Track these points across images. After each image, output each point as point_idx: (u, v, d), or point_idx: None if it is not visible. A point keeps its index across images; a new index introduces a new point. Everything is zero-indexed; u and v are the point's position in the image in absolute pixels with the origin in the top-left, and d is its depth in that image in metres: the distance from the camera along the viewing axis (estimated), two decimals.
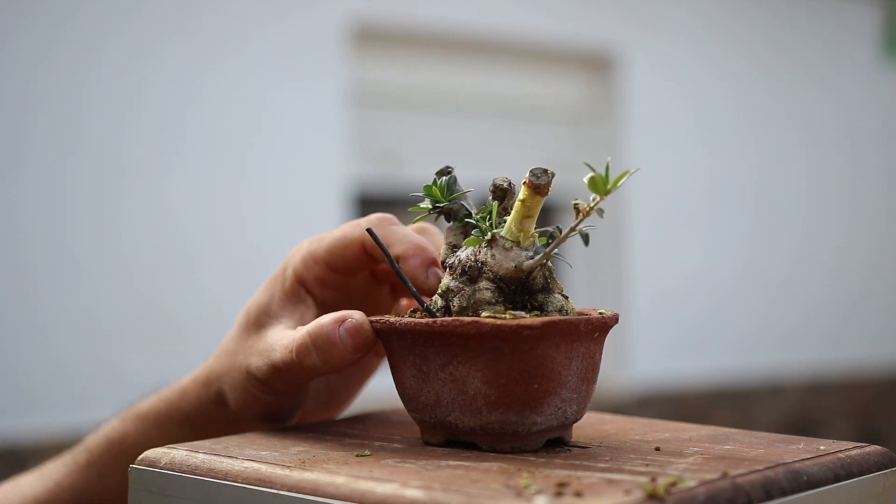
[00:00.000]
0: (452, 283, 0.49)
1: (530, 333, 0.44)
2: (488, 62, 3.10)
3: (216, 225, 2.53)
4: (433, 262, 0.51)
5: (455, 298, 0.48)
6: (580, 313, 0.49)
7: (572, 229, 0.47)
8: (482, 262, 0.48)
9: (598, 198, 0.46)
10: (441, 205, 0.50)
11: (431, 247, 0.53)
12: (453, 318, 0.45)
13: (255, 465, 0.45)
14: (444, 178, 0.50)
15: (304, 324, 0.54)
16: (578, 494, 0.38)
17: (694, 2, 3.34)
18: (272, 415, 0.56)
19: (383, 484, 0.40)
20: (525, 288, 0.48)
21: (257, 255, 2.53)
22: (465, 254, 0.49)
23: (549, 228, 0.50)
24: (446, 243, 0.51)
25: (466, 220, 0.51)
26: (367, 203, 2.90)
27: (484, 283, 0.48)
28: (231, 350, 0.55)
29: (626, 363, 3.15)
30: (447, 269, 0.50)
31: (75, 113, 2.39)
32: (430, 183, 0.50)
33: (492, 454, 0.46)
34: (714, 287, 3.33)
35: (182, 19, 2.52)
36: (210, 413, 0.58)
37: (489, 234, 0.48)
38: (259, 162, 2.61)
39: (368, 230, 0.52)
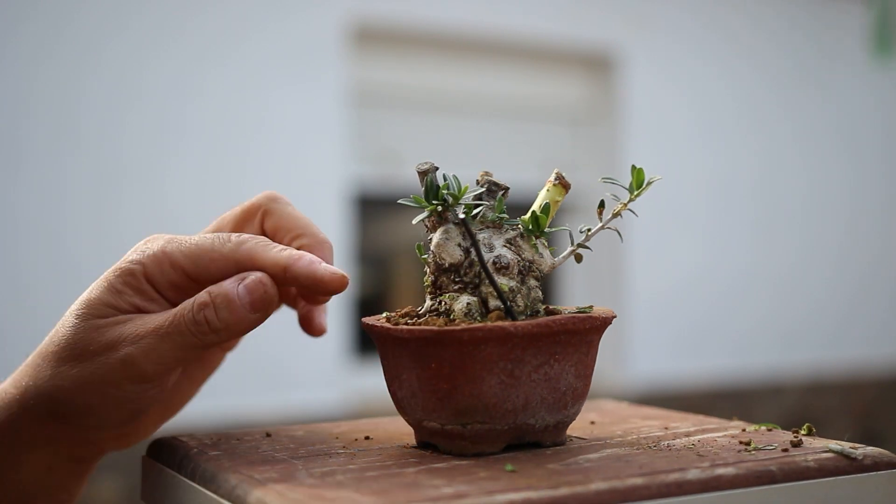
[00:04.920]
0: (513, 284, 0.48)
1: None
2: (488, 62, 3.10)
3: None
4: (319, 260, 0.49)
5: (518, 298, 0.48)
6: (577, 312, 0.50)
7: (602, 227, 0.49)
8: (530, 261, 0.49)
9: (627, 199, 0.48)
10: (436, 206, 0.50)
11: (308, 253, 0.51)
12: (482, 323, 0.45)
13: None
14: (430, 175, 0.50)
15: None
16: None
17: (694, 2, 3.34)
18: (128, 414, 0.51)
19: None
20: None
21: None
22: (509, 253, 0.49)
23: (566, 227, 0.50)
24: (454, 244, 0.50)
25: (460, 219, 0.50)
26: (366, 203, 2.90)
27: (533, 282, 0.48)
28: (75, 352, 0.49)
29: (626, 363, 3.15)
30: (499, 270, 0.48)
31: (76, 114, 2.39)
32: (419, 181, 0.50)
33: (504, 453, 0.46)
34: (713, 287, 3.34)
35: (183, 20, 2.53)
36: (31, 428, 0.51)
37: (535, 234, 0.49)
38: (259, 162, 2.61)
39: (462, 220, 0.49)
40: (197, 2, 2.55)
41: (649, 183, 0.48)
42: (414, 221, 0.51)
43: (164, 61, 2.49)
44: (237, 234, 0.51)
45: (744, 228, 3.42)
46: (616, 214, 0.49)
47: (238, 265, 0.50)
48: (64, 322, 0.51)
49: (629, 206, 0.49)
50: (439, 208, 0.49)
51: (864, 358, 3.62)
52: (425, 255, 0.50)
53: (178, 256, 0.50)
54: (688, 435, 0.50)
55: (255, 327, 0.49)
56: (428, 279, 0.50)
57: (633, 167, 0.48)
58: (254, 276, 0.49)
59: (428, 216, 0.50)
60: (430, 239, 0.50)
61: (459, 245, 0.49)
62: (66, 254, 2.35)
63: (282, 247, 0.50)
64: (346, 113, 2.74)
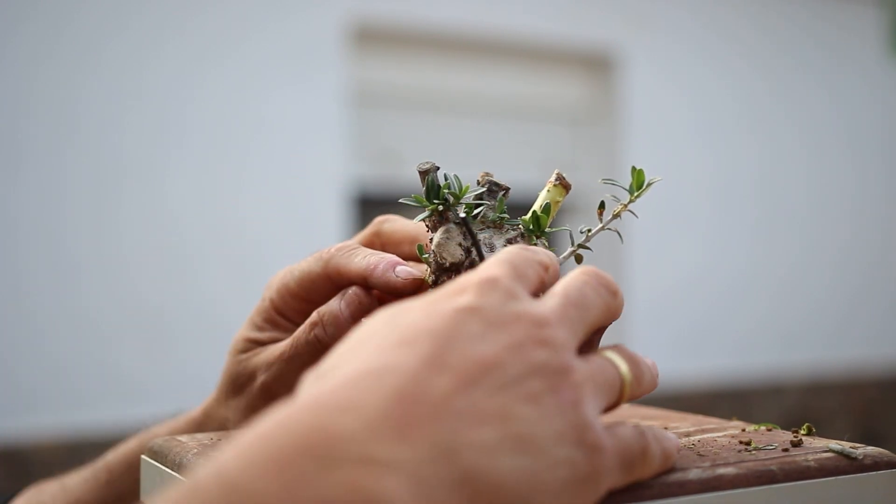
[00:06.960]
0: None
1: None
2: (488, 62, 3.10)
3: (216, 225, 2.53)
4: (396, 263, 0.51)
5: None
6: None
7: (602, 228, 0.49)
8: None
9: (627, 200, 0.48)
10: (437, 206, 0.50)
11: (388, 254, 0.53)
12: None
13: None
14: (431, 175, 0.50)
15: None
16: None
17: (694, 2, 3.34)
18: None
19: None
20: None
21: (257, 256, 2.53)
22: None
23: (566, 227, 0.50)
24: (455, 243, 0.50)
25: (461, 218, 0.50)
26: (366, 203, 2.90)
27: None
28: (231, 386, 0.57)
29: None
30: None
31: (76, 114, 2.39)
32: (420, 181, 0.50)
33: None
34: (713, 287, 3.34)
35: (182, 20, 2.52)
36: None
37: (536, 235, 0.49)
38: (259, 162, 2.61)
39: (463, 220, 0.50)
40: (197, 2, 2.55)
41: (649, 184, 0.48)
42: (415, 221, 0.51)
43: (164, 61, 2.49)
44: (328, 249, 0.54)
45: (744, 228, 3.42)
46: (616, 215, 0.49)
47: (331, 280, 0.54)
48: (226, 360, 0.59)
49: (629, 207, 0.49)
50: (440, 208, 0.49)
51: (864, 358, 3.62)
52: (426, 255, 0.50)
53: (293, 285, 0.56)
54: (688, 435, 0.50)
55: None
56: (429, 279, 0.50)
57: (634, 168, 0.49)
58: (350, 291, 0.52)
59: (429, 216, 0.50)
60: (431, 239, 0.50)
61: (460, 245, 0.49)
62: (66, 254, 2.35)
63: (365, 254, 0.53)
64: (346, 113, 2.74)
